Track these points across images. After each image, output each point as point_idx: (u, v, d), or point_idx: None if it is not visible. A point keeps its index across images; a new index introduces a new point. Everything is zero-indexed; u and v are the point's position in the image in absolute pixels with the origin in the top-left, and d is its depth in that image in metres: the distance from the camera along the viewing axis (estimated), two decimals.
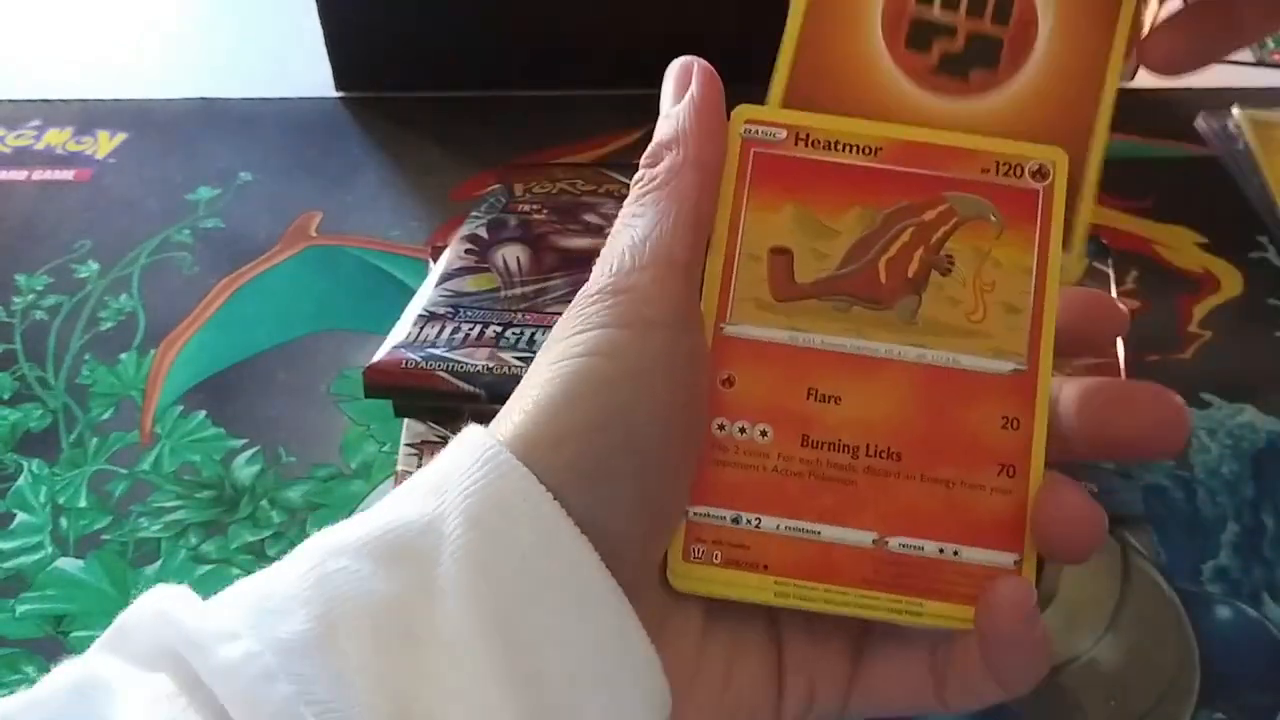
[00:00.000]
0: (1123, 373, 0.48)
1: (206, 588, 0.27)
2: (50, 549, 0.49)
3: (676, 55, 0.32)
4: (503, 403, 0.29)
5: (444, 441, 0.36)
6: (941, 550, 0.30)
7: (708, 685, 0.30)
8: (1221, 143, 0.67)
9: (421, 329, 0.50)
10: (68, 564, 0.49)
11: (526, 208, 0.57)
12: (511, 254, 0.54)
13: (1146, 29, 0.33)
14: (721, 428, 0.30)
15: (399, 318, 0.51)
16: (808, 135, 0.32)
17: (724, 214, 0.31)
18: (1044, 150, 0.32)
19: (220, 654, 0.25)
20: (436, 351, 0.48)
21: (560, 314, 0.30)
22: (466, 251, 0.54)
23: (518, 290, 0.52)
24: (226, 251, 0.63)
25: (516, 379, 0.29)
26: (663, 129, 0.31)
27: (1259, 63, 0.74)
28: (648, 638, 0.27)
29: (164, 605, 0.26)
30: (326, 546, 0.27)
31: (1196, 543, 0.49)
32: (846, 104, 0.32)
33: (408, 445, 0.48)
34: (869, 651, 0.31)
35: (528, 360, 0.32)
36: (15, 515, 0.51)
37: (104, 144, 0.70)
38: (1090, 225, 0.32)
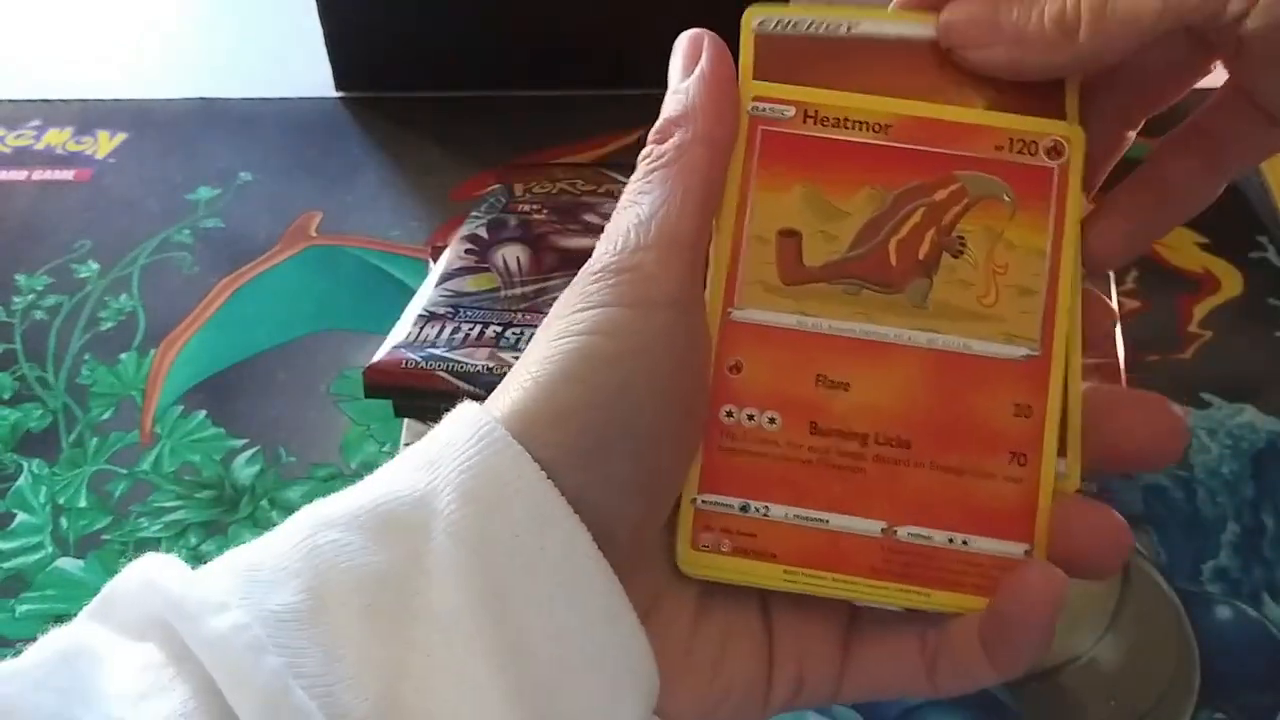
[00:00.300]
0: (1123, 373, 0.48)
1: None
2: (50, 549, 0.49)
3: None
4: None
5: None
6: (951, 540, 0.29)
7: (699, 666, 0.30)
8: None
9: (421, 329, 0.49)
10: (68, 564, 0.49)
11: (526, 208, 0.57)
12: (511, 254, 0.54)
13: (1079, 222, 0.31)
14: (729, 415, 0.30)
15: (399, 318, 0.51)
16: (816, 112, 0.31)
17: (731, 194, 0.30)
18: (1059, 126, 0.30)
19: (209, 625, 0.24)
20: (436, 351, 0.48)
21: None
22: (466, 251, 0.54)
23: (518, 290, 0.52)
24: (226, 251, 0.63)
25: None
26: (671, 104, 0.30)
27: None
28: (637, 619, 0.27)
29: (152, 574, 0.26)
30: (318, 518, 0.26)
31: (1196, 543, 0.49)
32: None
33: (408, 445, 0.48)
34: (859, 634, 0.31)
35: None
36: (15, 515, 0.51)
37: (104, 144, 0.70)
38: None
